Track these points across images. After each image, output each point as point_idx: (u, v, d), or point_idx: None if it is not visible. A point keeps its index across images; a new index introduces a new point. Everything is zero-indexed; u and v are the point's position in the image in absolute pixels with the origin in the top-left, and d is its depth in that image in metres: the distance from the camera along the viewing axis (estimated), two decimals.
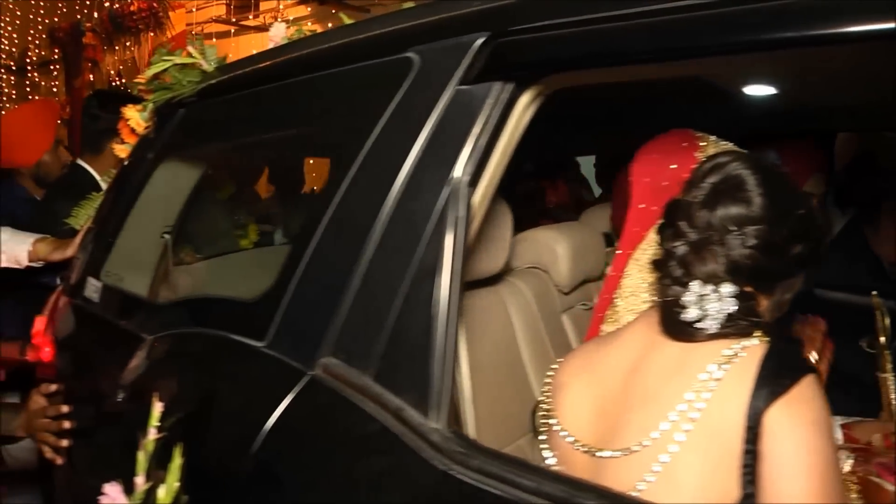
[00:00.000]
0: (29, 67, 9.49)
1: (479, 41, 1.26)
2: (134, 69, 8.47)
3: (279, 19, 8.81)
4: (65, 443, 1.87)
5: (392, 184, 1.29)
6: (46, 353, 2.16)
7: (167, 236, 2.13)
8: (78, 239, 2.38)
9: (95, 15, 8.75)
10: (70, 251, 2.40)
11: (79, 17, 8.94)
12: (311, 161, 5.24)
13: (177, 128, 2.05)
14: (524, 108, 1.26)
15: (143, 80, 2.23)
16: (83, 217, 2.47)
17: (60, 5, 9.26)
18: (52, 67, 9.42)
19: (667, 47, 1.07)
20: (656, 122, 1.82)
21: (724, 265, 1.20)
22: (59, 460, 1.89)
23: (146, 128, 2.20)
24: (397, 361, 1.20)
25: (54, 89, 9.35)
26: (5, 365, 2.34)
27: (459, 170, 1.21)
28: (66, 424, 1.86)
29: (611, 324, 1.75)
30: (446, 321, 1.15)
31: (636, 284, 1.75)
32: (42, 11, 9.34)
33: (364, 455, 1.18)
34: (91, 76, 9.05)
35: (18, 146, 3.10)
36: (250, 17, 9.16)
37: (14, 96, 9.32)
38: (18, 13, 9.35)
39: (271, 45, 2.05)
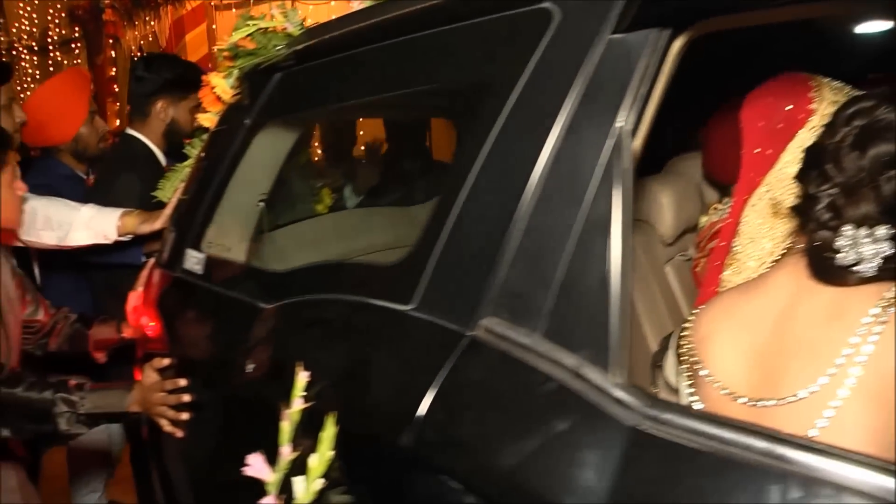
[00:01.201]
0: (50, 47, 9.46)
1: None
2: (155, 44, 8.42)
3: None
4: (185, 416, 1.87)
5: (545, 139, 1.26)
6: (152, 327, 2.14)
7: (262, 204, 2.11)
8: (168, 210, 2.37)
9: None
10: (159, 223, 2.38)
11: None
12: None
13: (273, 93, 2.01)
14: (676, 54, 1.22)
15: (224, 47, 2.20)
16: (170, 189, 2.45)
17: None
18: (73, 46, 9.39)
19: None
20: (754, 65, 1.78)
21: (878, 207, 1.17)
22: (180, 433, 1.88)
23: (234, 95, 2.17)
24: (570, 318, 1.18)
25: None
26: (104, 346, 2.32)
27: (622, 120, 1.18)
28: (186, 398, 1.85)
29: (733, 271, 1.74)
30: (621, 274, 1.13)
31: (754, 230, 1.73)
32: None
33: (544, 415, 1.14)
34: (113, 52, 9.01)
35: (55, 122, 3.00)
36: None
37: (38, 76, 9.29)
38: None
39: (355, 5, 2.01)
